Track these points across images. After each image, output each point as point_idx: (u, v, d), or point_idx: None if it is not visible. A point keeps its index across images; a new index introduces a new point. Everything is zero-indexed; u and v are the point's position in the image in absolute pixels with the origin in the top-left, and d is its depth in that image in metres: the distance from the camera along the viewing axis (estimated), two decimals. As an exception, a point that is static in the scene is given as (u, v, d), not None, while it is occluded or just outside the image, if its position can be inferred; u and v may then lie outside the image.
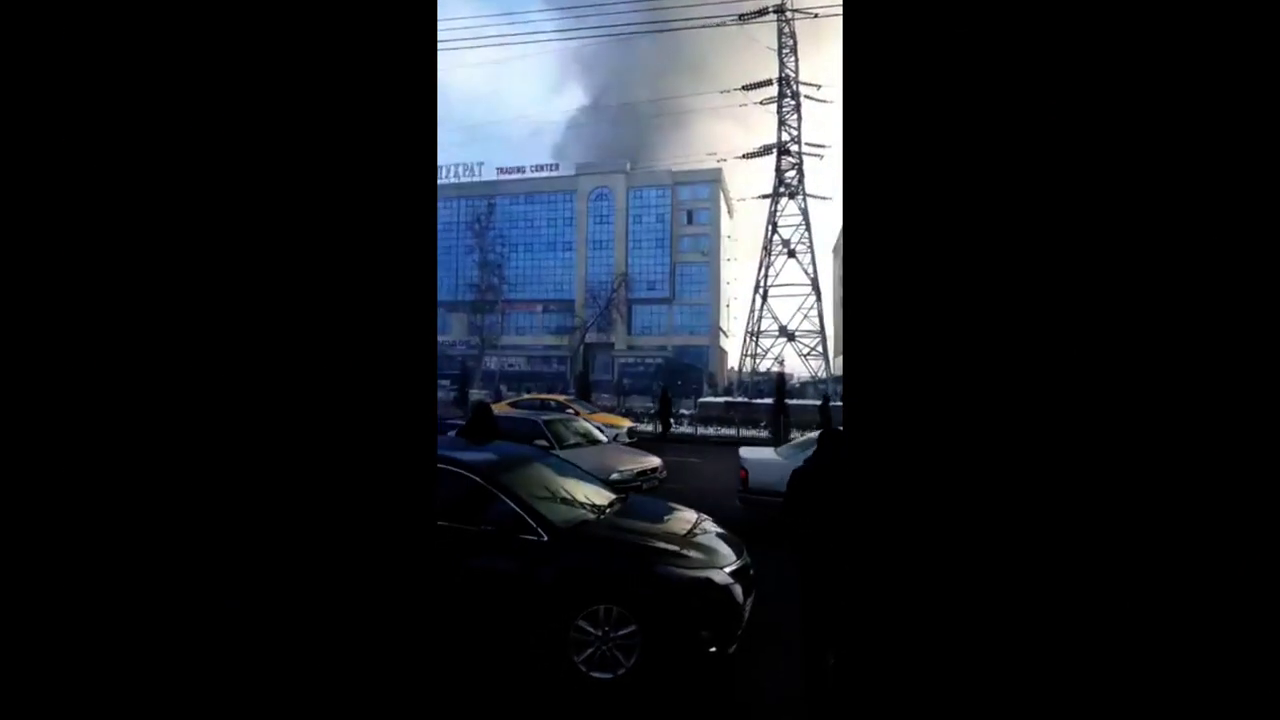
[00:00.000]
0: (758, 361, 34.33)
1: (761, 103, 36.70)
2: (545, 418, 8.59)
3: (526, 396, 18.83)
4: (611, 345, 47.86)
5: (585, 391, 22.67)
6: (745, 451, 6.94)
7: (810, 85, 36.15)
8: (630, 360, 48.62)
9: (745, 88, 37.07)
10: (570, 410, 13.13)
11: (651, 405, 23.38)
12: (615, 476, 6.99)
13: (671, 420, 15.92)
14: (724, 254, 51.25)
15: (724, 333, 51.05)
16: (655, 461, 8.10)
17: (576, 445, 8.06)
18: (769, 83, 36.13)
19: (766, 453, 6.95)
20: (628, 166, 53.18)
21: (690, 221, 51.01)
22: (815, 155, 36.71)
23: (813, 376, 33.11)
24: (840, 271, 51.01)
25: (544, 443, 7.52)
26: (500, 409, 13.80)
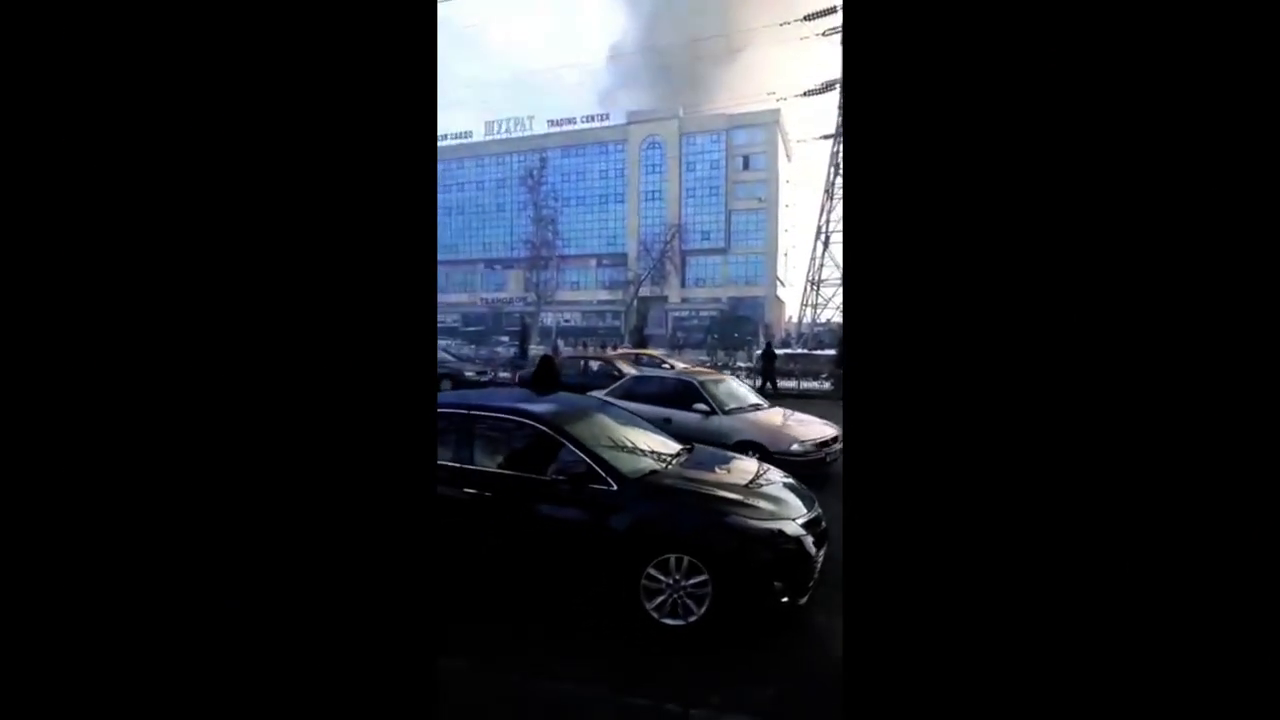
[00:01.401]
0: (818, 311, 33.26)
1: (824, 34, 34.21)
2: (701, 379, 7.29)
3: (618, 351, 17.71)
4: (665, 298, 47.54)
5: (641, 345, 22.68)
6: None
7: (878, 10, 33.29)
8: (684, 313, 48.24)
9: (806, 18, 34.60)
10: (665, 365, 12.30)
11: (706, 359, 23.21)
12: (796, 448, 6.06)
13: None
14: (782, 200, 49.31)
15: (781, 282, 49.66)
16: (834, 430, 6.68)
17: (738, 410, 6.84)
18: (832, 10, 33.54)
19: None
20: (680, 112, 51.36)
21: (746, 167, 49.08)
22: (882, 88, 34.11)
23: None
24: (907, 215, 48.10)
25: (704, 407, 6.62)
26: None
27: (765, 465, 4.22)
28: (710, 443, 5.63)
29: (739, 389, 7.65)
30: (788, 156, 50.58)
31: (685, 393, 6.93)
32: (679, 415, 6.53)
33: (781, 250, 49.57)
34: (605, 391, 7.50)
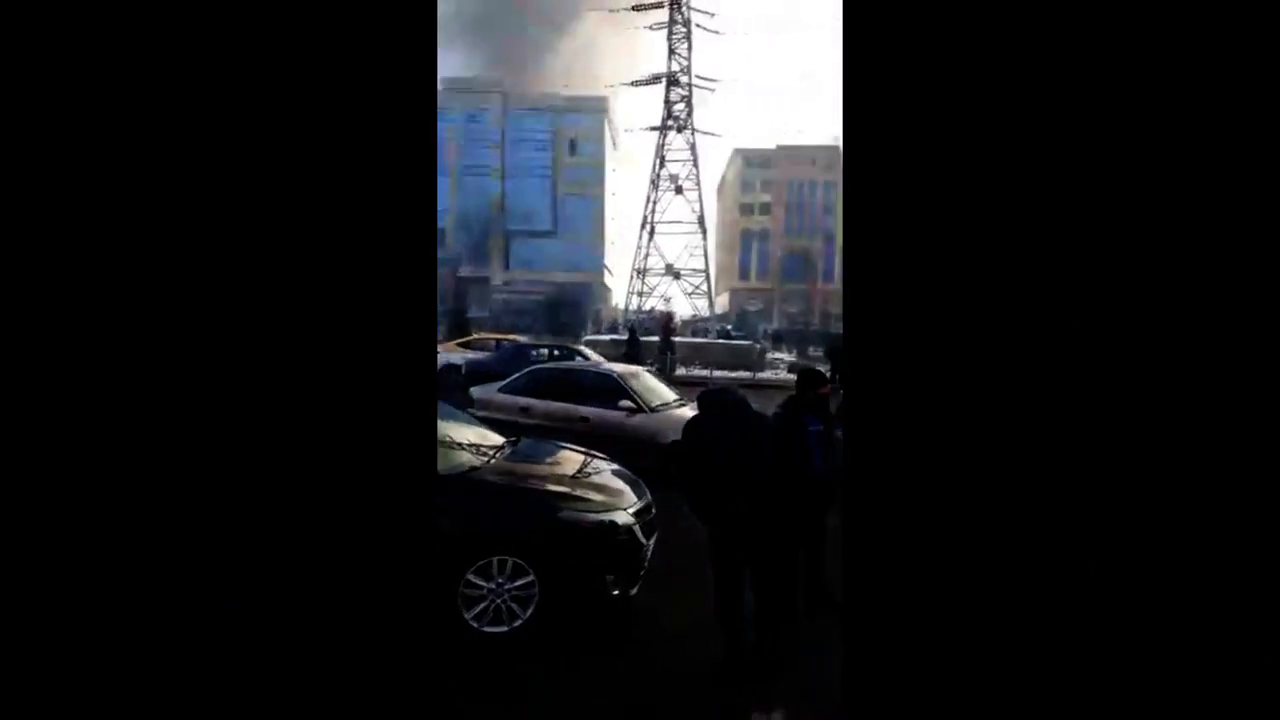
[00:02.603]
0: (644, 300, 34.56)
1: (651, 27, 35.24)
2: (618, 371, 6.34)
3: (509, 337, 13.89)
4: (487, 280, 45.55)
5: (463, 329, 21.39)
6: None
7: (703, 13, 35.21)
8: (509, 296, 46.77)
9: (634, 8, 35.27)
10: (578, 358, 10.49)
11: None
12: None
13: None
14: (609, 188, 50.11)
15: (608, 270, 50.66)
16: None
17: (664, 407, 5.94)
18: (659, 5, 34.65)
19: None
20: (503, 87, 49.23)
21: (574, 152, 48.82)
22: (706, 89, 36.28)
23: (694, 314, 34.09)
24: (724, 212, 52.23)
25: (629, 404, 5.73)
26: (447, 349, 11.25)
27: (593, 454, 4.08)
28: (639, 444, 5.13)
29: (655, 383, 6.68)
30: (614, 145, 51.48)
31: (604, 388, 5.92)
32: (597, 414, 5.71)
33: (608, 238, 50.47)
34: (499, 387, 6.42)
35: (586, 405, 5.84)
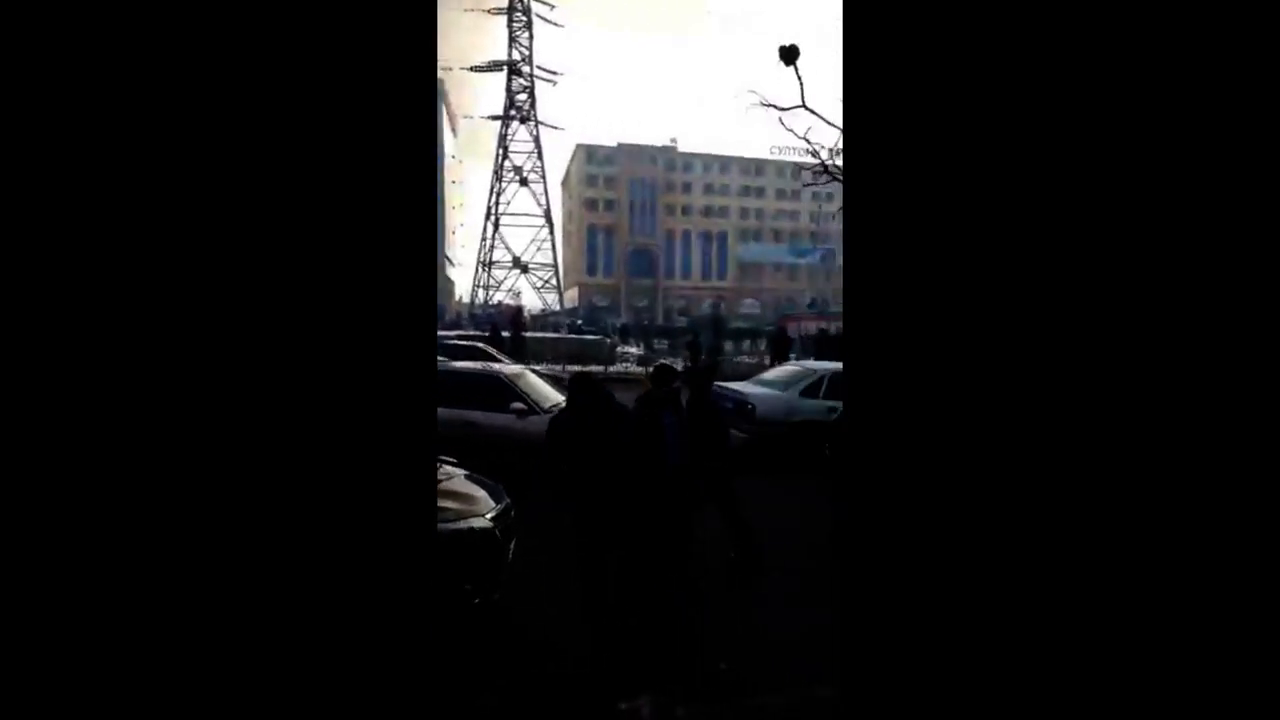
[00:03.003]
0: (490, 293, 33.42)
1: (490, 12, 33.96)
2: (504, 372, 5.77)
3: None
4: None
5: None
6: (743, 386, 6.85)
7: (542, 4, 34.68)
8: (339, 289, 42.26)
9: (471, -11, 33.71)
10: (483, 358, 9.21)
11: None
12: None
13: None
14: (448, 175, 47.53)
15: (450, 261, 48.10)
16: None
17: (556, 409, 4.96)
18: (497, -10, 33.52)
19: (765, 389, 6.73)
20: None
21: (408, 134, 45.41)
22: (548, 80, 35.87)
23: (544, 309, 33.77)
24: (569, 206, 52.16)
25: (521, 406, 5.23)
26: None
27: (443, 459, 3.89)
28: (533, 449, 4.61)
29: (539, 382, 6.21)
30: (454, 131, 48.92)
31: (491, 389, 5.43)
32: (485, 418, 5.23)
33: (449, 228, 47.93)
34: None
35: (472, 409, 5.34)
